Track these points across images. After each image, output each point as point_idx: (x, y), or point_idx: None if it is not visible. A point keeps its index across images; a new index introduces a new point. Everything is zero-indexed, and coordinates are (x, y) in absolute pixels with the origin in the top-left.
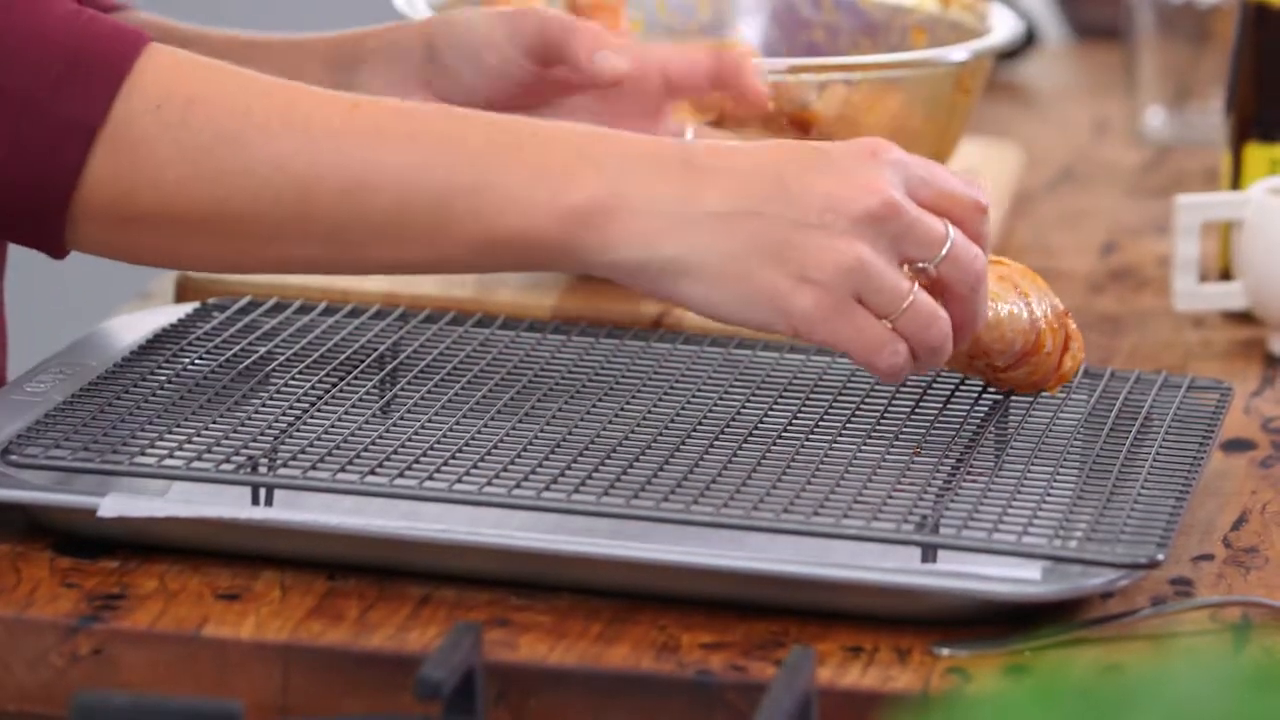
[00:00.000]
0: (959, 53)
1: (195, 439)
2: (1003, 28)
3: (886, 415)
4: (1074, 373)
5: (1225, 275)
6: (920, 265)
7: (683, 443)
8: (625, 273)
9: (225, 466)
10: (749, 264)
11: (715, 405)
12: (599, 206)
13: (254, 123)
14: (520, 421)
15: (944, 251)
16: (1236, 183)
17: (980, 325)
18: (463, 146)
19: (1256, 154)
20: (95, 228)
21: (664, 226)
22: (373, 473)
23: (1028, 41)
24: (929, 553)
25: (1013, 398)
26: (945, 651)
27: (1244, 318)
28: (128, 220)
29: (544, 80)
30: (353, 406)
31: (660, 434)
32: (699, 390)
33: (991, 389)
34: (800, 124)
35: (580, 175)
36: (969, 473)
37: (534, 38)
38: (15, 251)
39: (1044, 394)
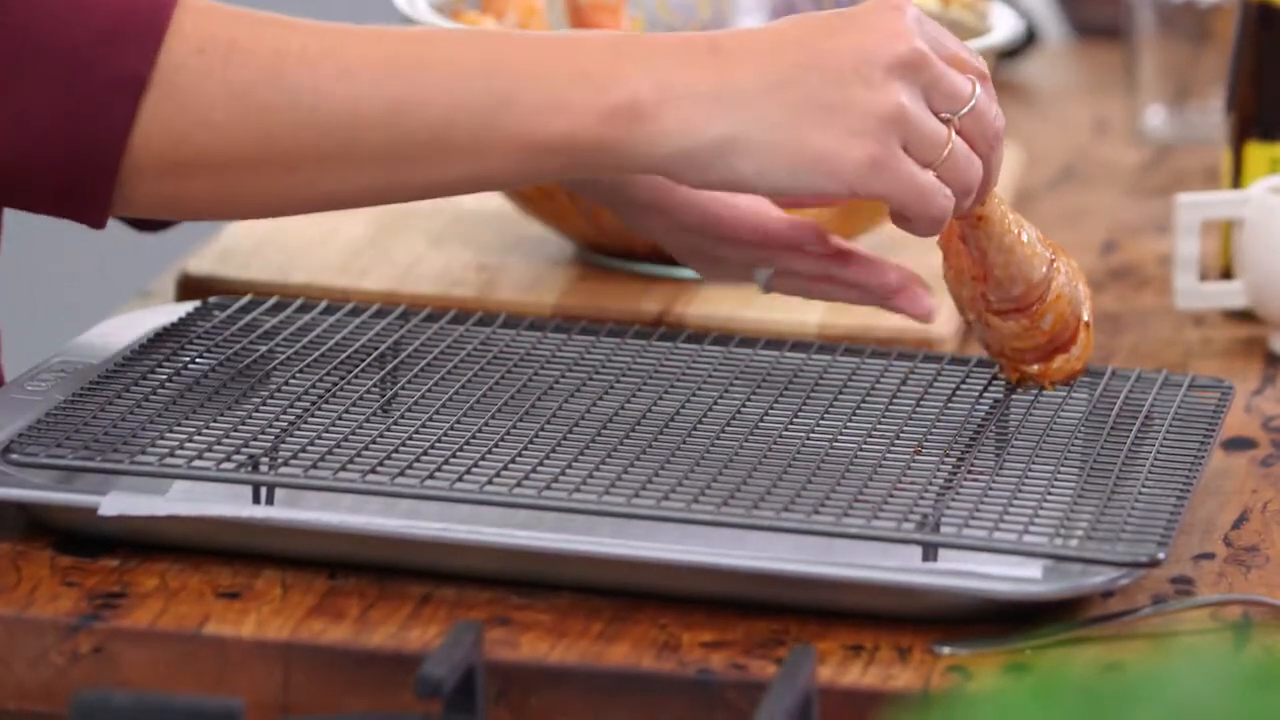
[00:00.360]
0: None
1: (196, 438)
2: (1003, 27)
3: (887, 414)
4: (1062, 376)
5: (1226, 274)
6: (944, 118)
7: (684, 441)
8: (675, 164)
9: (226, 465)
10: (797, 130)
11: (716, 403)
12: (642, 101)
13: (293, 57)
14: (521, 420)
15: (969, 106)
16: (1237, 181)
17: (993, 184)
18: (500, 59)
19: (1257, 153)
20: (147, 181)
21: (707, 110)
22: (373, 471)
23: (1028, 40)
24: (930, 551)
25: (1014, 396)
26: (946, 650)
27: (1244, 316)
28: (179, 168)
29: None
30: (353, 405)
31: (661, 432)
32: (700, 388)
33: (993, 387)
34: None
35: (619, 73)
36: (970, 471)
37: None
38: (16, 250)
39: (1030, 390)
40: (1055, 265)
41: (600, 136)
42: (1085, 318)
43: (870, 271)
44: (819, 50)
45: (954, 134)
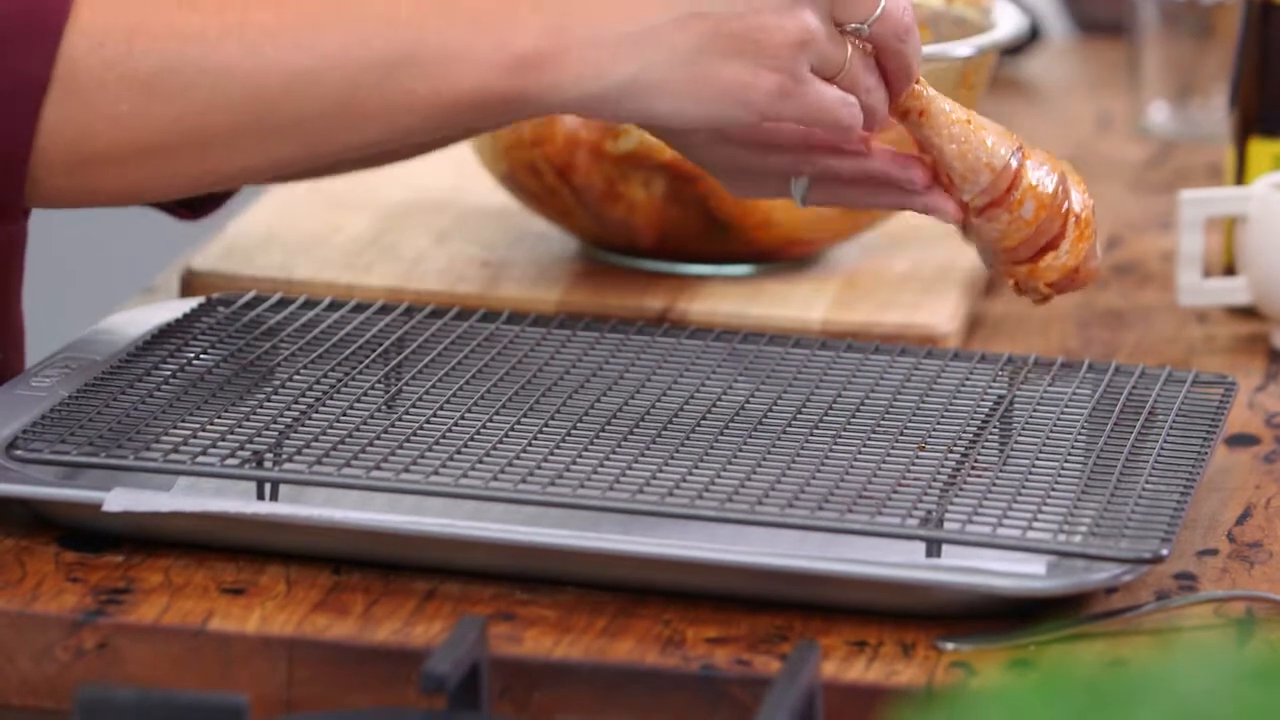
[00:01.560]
0: (963, 48)
1: (201, 434)
2: (1007, 23)
3: (891, 410)
4: (1056, 277)
5: (1229, 270)
6: (853, 28)
7: (688, 437)
8: (586, 108)
9: (231, 461)
10: (705, 65)
11: (720, 400)
12: (545, 48)
13: (193, 40)
14: (525, 416)
15: (877, 11)
16: (1240, 178)
17: (912, 74)
18: (397, 16)
19: (1260, 149)
20: (56, 178)
21: (613, 51)
22: (378, 468)
23: (1031, 37)
24: (934, 547)
25: (1018, 390)
26: (949, 646)
27: (1248, 313)
28: (87, 162)
29: None
30: (358, 401)
31: (665, 428)
32: (704, 384)
33: (996, 383)
34: None
35: (519, 20)
36: (974, 468)
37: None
38: None
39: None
40: (1023, 153)
41: (506, 88)
42: (1077, 209)
43: (902, 165)
44: None
45: (850, 46)
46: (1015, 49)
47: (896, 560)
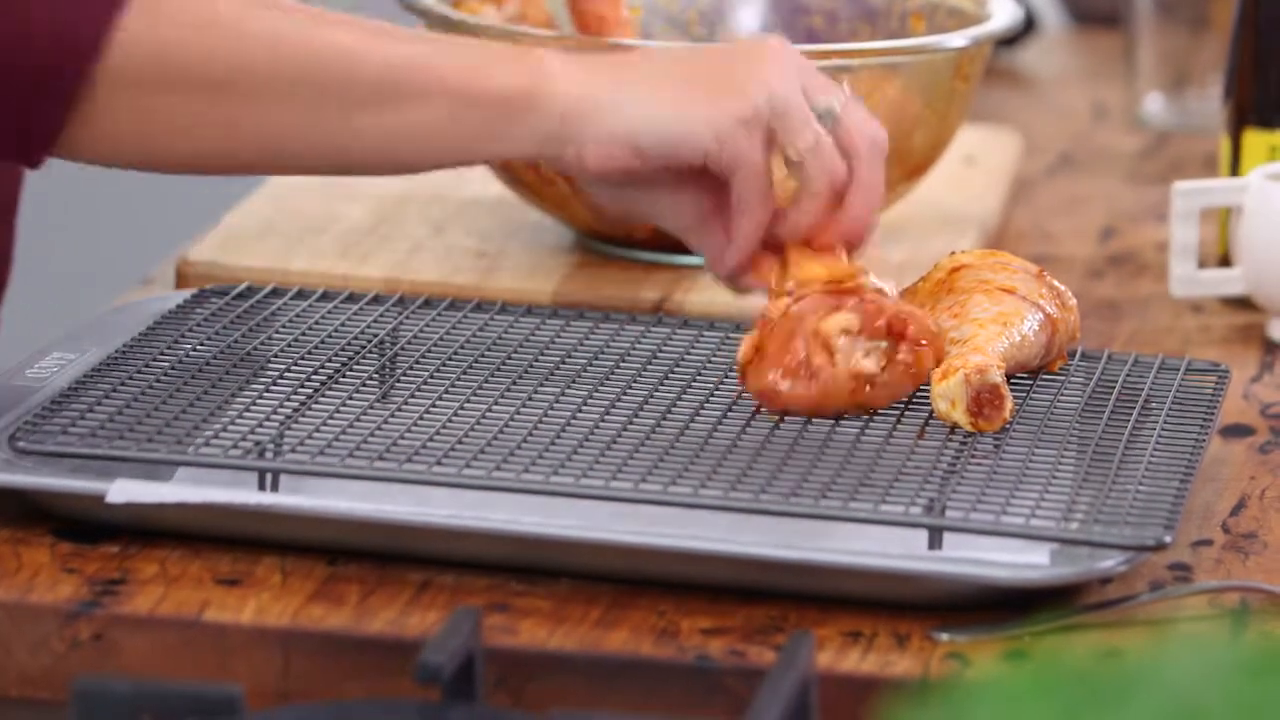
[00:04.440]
0: (958, 39)
1: (201, 425)
2: (1002, 14)
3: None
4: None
5: (1224, 261)
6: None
7: (686, 428)
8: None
9: (233, 452)
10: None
11: (717, 389)
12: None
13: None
14: (524, 407)
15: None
16: (1235, 168)
17: (868, 196)
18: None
19: (1255, 140)
20: (120, 92)
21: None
22: (381, 458)
23: (1027, 28)
24: (936, 536)
25: (1013, 381)
26: (944, 637)
27: (1243, 303)
28: (152, 83)
29: None
30: (356, 392)
31: (664, 418)
32: (700, 374)
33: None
34: None
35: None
36: (972, 457)
37: None
38: (18, 239)
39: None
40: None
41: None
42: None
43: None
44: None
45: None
46: (1011, 40)
47: (897, 550)
